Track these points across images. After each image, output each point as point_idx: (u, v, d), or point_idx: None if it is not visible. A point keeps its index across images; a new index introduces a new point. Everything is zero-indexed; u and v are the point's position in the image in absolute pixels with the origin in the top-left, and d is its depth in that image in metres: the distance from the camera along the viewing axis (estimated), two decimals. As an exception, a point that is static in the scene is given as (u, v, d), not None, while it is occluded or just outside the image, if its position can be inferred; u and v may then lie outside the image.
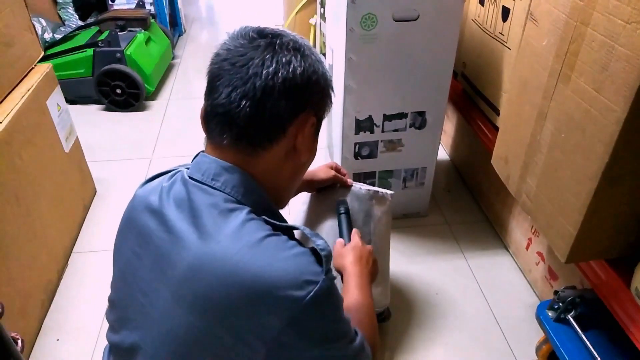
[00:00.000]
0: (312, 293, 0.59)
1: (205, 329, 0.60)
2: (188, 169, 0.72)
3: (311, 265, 0.62)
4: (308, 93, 0.69)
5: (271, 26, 0.70)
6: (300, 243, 0.65)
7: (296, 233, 0.74)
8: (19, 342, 0.80)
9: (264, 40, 0.67)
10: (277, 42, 0.67)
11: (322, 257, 0.63)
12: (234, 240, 0.61)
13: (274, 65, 0.65)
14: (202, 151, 0.74)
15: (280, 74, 0.65)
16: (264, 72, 0.64)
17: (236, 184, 0.67)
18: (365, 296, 0.90)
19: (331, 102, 0.75)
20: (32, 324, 1.42)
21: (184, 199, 0.66)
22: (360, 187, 1.24)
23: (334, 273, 0.84)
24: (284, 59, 0.65)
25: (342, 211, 1.13)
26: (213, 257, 0.60)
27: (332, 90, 0.74)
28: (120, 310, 0.72)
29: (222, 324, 0.59)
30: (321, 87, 0.71)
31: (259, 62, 0.65)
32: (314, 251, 0.64)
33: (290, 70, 0.65)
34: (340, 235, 1.09)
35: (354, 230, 1.08)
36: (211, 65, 0.69)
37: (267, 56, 0.65)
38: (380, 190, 1.26)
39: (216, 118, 0.68)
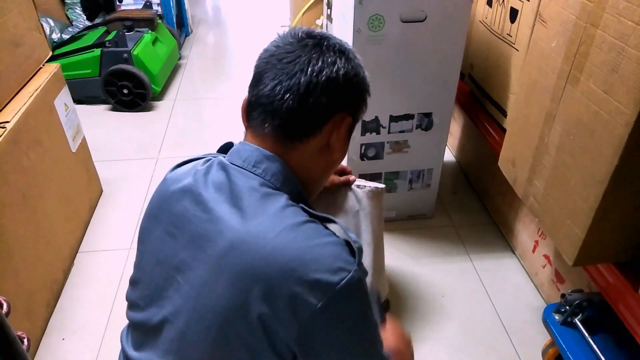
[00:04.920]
0: (344, 280, 0.61)
1: (243, 304, 0.61)
2: (217, 157, 0.75)
3: (345, 254, 0.64)
4: (348, 94, 0.73)
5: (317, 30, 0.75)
6: (334, 233, 0.67)
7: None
8: (25, 341, 0.80)
9: (312, 41, 0.71)
10: (325, 43, 0.71)
11: (355, 249, 0.65)
12: (275, 223, 0.64)
13: (319, 63, 0.69)
14: (230, 142, 0.77)
15: (324, 73, 0.69)
16: (310, 69, 0.68)
17: (276, 172, 0.70)
18: None
19: (366, 106, 0.78)
20: (38, 323, 1.42)
21: (224, 182, 0.69)
22: (356, 187, 1.24)
23: None
24: (329, 59, 0.70)
25: (374, 301, 1.11)
26: (255, 236, 0.63)
27: (369, 95, 0.78)
28: (148, 288, 0.73)
29: (262, 301, 0.61)
30: (360, 90, 0.75)
31: (306, 60, 0.69)
32: (348, 243, 0.66)
33: (335, 70, 0.69)
34: None
35: (390, 319, 1.05)
36: (259, 60, 0.73)
37: (314, 55, 0.69)
38: (372, 185, 1.26)
39: (260, 108, 0.71)
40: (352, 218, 1.24)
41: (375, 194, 1.26)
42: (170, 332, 0.68)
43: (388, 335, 0.94)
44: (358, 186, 1.24)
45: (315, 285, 0.60)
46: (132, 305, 0.76)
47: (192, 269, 0.66)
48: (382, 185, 1.28)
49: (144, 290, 0.74)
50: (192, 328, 0.66)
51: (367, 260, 1.29)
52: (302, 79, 0.68)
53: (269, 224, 0.63)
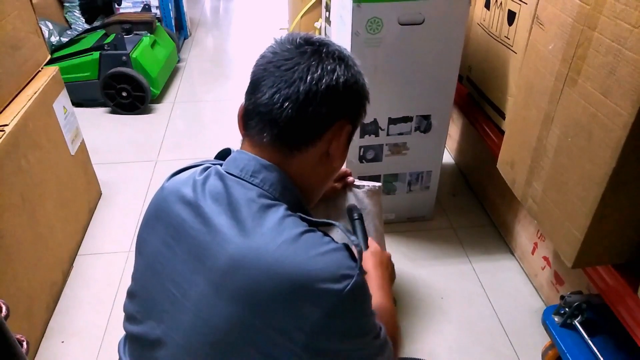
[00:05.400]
0: (349, 286, 0.61)
1: (247, 320, 0.61)
2: (217, 164, 0.74)
3: (346, 260, 0.64)
4: (348, 102, 0.72)
5: (317, 35, 0.73)
6: (333, 239, 0.67)
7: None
8: (24, 344, 0.80)
9: (311, 47, 0.70)
10: (324, 50, 0.70)
11: (355, 253, 0.65)
12: (274, 235, 0.63)
13: (319, 71, 0.67)
14: (227, 149, 0.76)
15: (324, 80, 0.67)
16: (309, 77, 0.67)
17: (274, 181, 0.69)
18: (387, 298, 0.93)
19: (365, 113, 0.78)
20: (37, 326, 1.42)
21: (222, 193, 0.67)
22: (355, 187, 1.26)
23: None
24: (329, 67, 0.68)
25: (356, 217, 1.13)
26: (256, 250, 0.62)
27: (369, 102, 0.77)
28: (145, 301, 0.72)
29: (264, 315, 0.60)
30: (360, 98, 0.74)
31: (305, 68, 0.67)
32: (347, 247, 0.66)
33: (334, 77, 0.68)
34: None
35: (370, 237, 1.08)
36: (256, 66, 0.72)
37: (313, 62, 0.68)
38: (370, 184, 1.28)
39: (257, 117, 0.70)
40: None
41: (373, 193, 1.28)
42: (170, 348, 0.67)
43: (368, 256, 0.99)
44: (357, 187, 1.25)
45: (320, 295, 0.60)
46: (130, 317, 0.75)
47: (191, 283, 0.65)
48: (379, 184, 1.29)
49: (140, 302, 0.73)
50: (193, 344, 0.65)
51: None
52: (302, 87, 0.66)
53: (269, 237, 0.63)
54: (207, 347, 0.64)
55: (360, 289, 0.63)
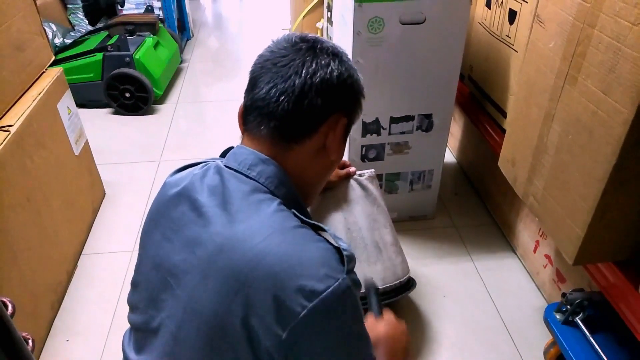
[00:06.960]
0: (331, 288, 0.59)
1: (229, 309, 0.61)
2: (218, 160, 0.76)
3: (333, 261, 0.63)
4: (342, 95, 0.74)
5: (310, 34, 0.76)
6: (325, 239, 0.66)
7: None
8: (30, 342, 0.80)
9: (306, 44, 0.72)
10: (318, 46, 0.72)
11: (344, 257, 0.63)
12: (264, 227, 0.64)
13: (313, 66, 0.70)
14: (232, 147, 0.78)
15: (318, 74, 0.70)
16: (304, 71, 0.69)
17: (271, 175, 0.71)
18: None
19: (361, 108, 0.79)
20: (42, 324, 1.43)
21: (218, 186, 0.69)
22: (358, 175, 1.34)
23: None
24: (323, 62, 0.71)
25: (372, 292, 1.12)
26: (243, 239, 0.63)
27: (364, 97, 0.79)
28: (146, 292, 0.74)
29: (246, 305, 0.60)
30: (355, 91, 0.76)
31: (300, 63, 0.70)
32: (338, 251, 0.65)
33: (329, 71, 0.71)
34: (370, 310, 1.04)
35: (385, 309, 1.04)
36: (254, 65, 0.75)
37: (308, 58, 0.70)
38: (367, 171, 1.36)
39: (255, 111, 0.72)
40: (362, 205, 1.30)
41: (372, 178, 1.36)
42: (165, 336, 0.68)
43: (381, 324, 0.94)
44: (360, 175, 1.33)
45: (299, 291, 0.59)
46: (132, 308, 0.77)
47: (185, 273, 0.67)
48: (372, 170, 1.37)
49: (142, 293, 0.75)
50: (184, 331, 0.66)
51: (389, 238, 1.35)
52: (297, 81, 0.69)
53: (258, 228, 0.63)
54: (194, 335, 0.65)
55: (344, 295, 0.61)
